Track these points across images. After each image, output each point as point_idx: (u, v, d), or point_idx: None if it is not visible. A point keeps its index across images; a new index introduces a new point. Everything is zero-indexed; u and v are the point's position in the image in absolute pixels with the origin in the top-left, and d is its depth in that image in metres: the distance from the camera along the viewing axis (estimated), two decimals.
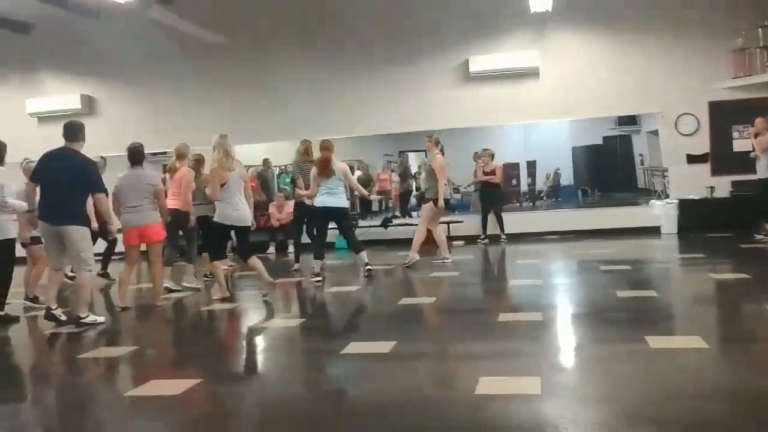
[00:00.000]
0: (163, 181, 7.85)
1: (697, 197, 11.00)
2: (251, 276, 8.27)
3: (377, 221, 12.53)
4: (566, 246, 10.54)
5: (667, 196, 11.72)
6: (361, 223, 12.43)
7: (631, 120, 17.48)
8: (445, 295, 7.01)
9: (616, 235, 10.92)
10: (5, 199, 6.30)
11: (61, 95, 13.23)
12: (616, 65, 11.37)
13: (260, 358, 4.87)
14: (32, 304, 6.97)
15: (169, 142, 12.27)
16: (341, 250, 9.68)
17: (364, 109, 12.20)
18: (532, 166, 18.64)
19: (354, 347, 4.57)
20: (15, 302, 6.95)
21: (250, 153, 12.66)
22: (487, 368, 4.00)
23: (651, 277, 7.66)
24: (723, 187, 10.95)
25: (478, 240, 11.32)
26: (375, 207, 15.24)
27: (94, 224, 6.67)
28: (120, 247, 7.66)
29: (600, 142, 19.68)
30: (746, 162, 9.73)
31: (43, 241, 6.07)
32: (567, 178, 19.29)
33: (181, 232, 7.92)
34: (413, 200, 14.94)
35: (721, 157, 11.09)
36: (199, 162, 8.14)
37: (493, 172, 11.22)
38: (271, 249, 11.63)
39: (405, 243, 9.26)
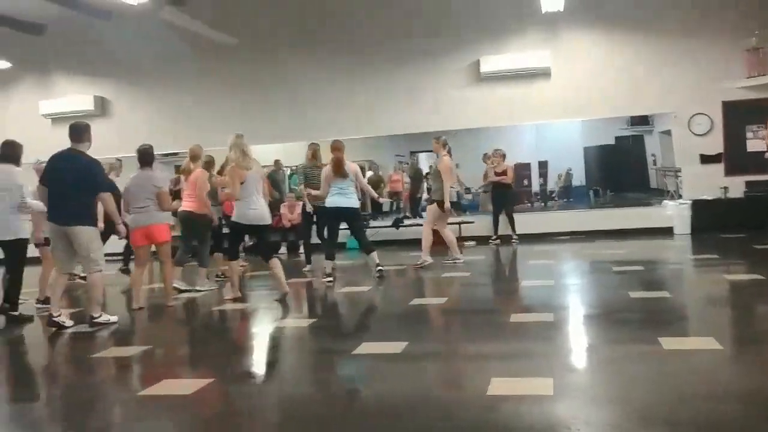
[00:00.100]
0: (177, 181, 7.88)
1: (710, 198, 10.92)
2: (263, 276, 8.30)
3: (388, 222, 12.53)
4: (578, 246, 10.50)
5: (680, 197, 11.64)
6: (372, 223, 12.44)
7: (643, 120, 17.36)
8: (457, 296, 7.00)
9: (628, 236, 10.87)
10: (25, 199, 6.37)
11: (74, 96, 13.34)
12: (628, 65, 11.32)
13: (272, 359, 4.88)
14: (44, 305, 7.01)
15: (182, 142, 12.37)
16: (352, 251, 9.69)
17: (376, 109, 12.21)
18: (543, 166, 18.56)
19: (365, 347, 4.57)
20: (29, 302, 7.01)
21: (261, 154, 12.57)
22: (499, 369, 3.99)
23: (664, 278, 7.61)
24: (737, 187, 10.87)
25: (490, 240, 11.29)
26: (386, 208, 15.23)
27: (101, 224, 6.69)
28: None
29: (612, 142, 19.56)
30: (760, 162, 9.67)
31: (51, 242, 6.07)
32: (579, 179, 19.19)
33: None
34: (424, 202, 14.92)
35: (735, 157, 11.01)
36: (209, 164, 8.18)
37: (504, 173, 11.18)
38: (283, 249, 11.66)
39: (416, 243, 9.25)
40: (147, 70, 13.04)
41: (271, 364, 4.73)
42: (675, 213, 11.09)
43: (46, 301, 7.08)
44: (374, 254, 7.88)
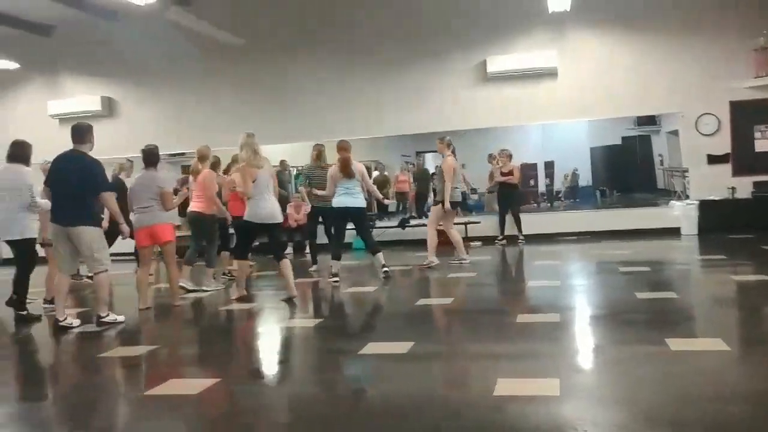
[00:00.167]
0: (184, 181, 7.88)
1: (718, 198, 10.88)
2: (270, 276, 8.32)
3: (394, 222, 12.53)
4: (584, 247, 10.47)
5: (687, 197, 11.60)
6: (379, 224, 12.44)
7: (650, 120, 17.31)
8: (463, 296, 7.00)
9: (635, 236, 10.84)
10: (34, 198, 6.41)
11: (82, 97, 13.41)
12: (635, 65, 11.28)
13: (278, 358, 4.88)
14: (50, 305, 7.03)
15: (189, 143, 12.43)
16: (358, 251, 9.70)
17: (382, 109, 12.22)
18: (550, 166, 18.53)
19: (372, 347, 4.57)
20: (37, 301, 7.04)
21: (267, 154, 12.65)
22: (506, 369, 3.98)
23: (671, 279, 7.58)
24: (744, 187, 10.83)
25: (496, 241, 11.28)
26: (392, 208, 15.22)
27: (105, 224, 6.72)
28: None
29: (619, 142, 19.51)
30: None
31: (53, 243, 6.07)
32: (585, 179, 19.15)
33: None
34: (430, 201, 14.91)
35: (743, 157, 10.97)
36: (214, 164, 8.20)
37: (510, 173, 11.17)
38: (289, 249, 11.67)
39: (422, 244, 9.25)
40: (154, 70, 13.09)
41: (278, 364, 4.74)
42: (682, 213, 11.05)
43: (53, 300, 7.11)
44: (380, 255, 7.89)
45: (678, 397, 3.30)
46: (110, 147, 12.25)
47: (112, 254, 8.67)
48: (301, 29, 12.42)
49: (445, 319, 5.92)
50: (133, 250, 9.37)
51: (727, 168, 11.07)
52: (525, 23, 11.65)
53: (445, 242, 9.17)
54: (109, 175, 9.44)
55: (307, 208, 9.78)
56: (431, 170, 16.26)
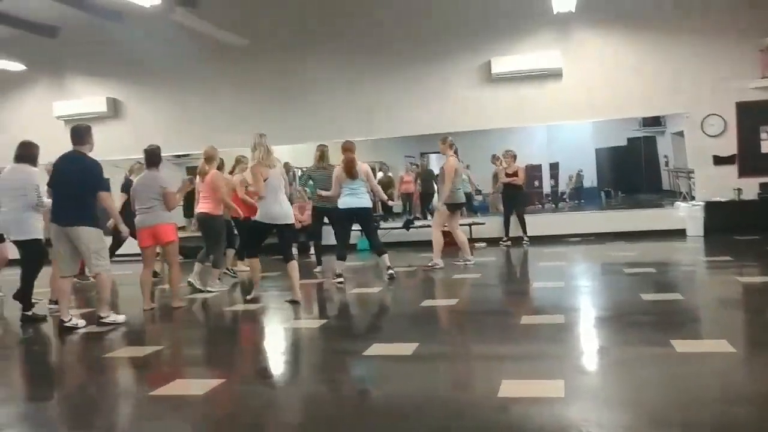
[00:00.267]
0: (190, 182, 7.86)
1: (723, 199, 10.84)
2: (274, 277, 8.32)
3: (400, 223, 12.53)
4: (589, 248, 10.45)
5: (693, 198, 11.57)
6: (383, 224, 12.44)
7: (655, 121, 17.28)
8: (467, 297, 6.99)
9: (640, 238, 10.81)
10: (41, 198, 6.43)
11: (87, 98, 13.45)
12: (640, 66, 11.25)
13: (283, 359, 4.89)
14: (55, 305, 7.05)
15: (193, 144, 12.47)
16: (363, 252, 9.70)
17: (386, 110, 12.22)
18: (554, 167, 18.51)
19: (376, 348, 4.58)
20: (42, 302, 7.06)
21: None
22: (510, 370, 3.98)
23: (676, 280, 7.57)
24: (751, 188, 10.79)
25: (501, 242, 11.27)
26: (398, 209, 15.21)
27: (110, 224, 6.74)
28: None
29: (624, 143, 19.49)
30: None
31: (53, 244, 6.06)
32: (590, 180, 19.13)
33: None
34: (435, 202, 14.90)
35: (749, 158, 10.93)
36: (219, 166, 8.24)
37: (515, 174, 11.16)
38: (293, 250, 11.68)
39: (427, 245, 9.24)
40: (159, 71, 13.12)
41: (283, 364, 4.74)
42: (688, 215, 11.02)
43: (57, 301, 7.14)
44: (386, 257, 7.88)
45: (683, 399, 3.29)
46: (116, 148, 12.33)
47: (120, 255, 8.74)
48: (306, 30, 12.43)
49: (450, 320, 5.92)
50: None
51: (733, 169, 11.03)
52: (530, 24, 11.64)
53: (450, 243, 9.16)
54: (121, 177, 9.57)
55: (308, 209, 9.80)
56: (436, 171, 16.27)
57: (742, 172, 10.96)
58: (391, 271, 7.81)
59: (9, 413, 3.81)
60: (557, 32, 11.49)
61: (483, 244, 11.29)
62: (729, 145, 11.05)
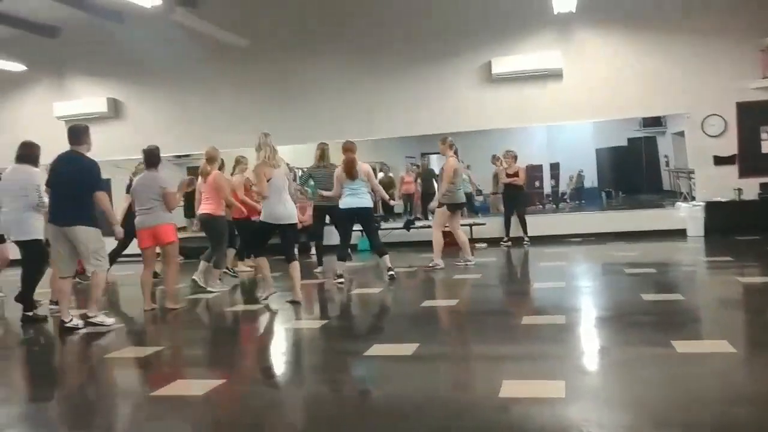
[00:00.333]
0: (190, 182, 7.86)
1: (724, 199, 10.84)
2: (275, 278, 8.32)
3: (400, 223, 12.53)
4: (590, 248, 10.45)
5: (693, 198, 11.57)
6: (384, 225, 12.44)
7: (656, 121, 17.28)
8: (468, 298, 6.99)
9: (640, 238, 10.81)
10: (42, 198, 6.43)
11: (88, 98, 13.45)
12: (640, 66, 11.25)
13: (284, 359, 4.89)
14: (56, 306, 7.04)
15: (194, 144, 12.48)
16: (363, 252, 9.70)
17: (387, 111, 12.23)
18: (555, 168, 18.51)
19: (377, 349, 4.58)
20: (43, 302, 7.06)
21: None
22: (511, 371, 3.98)
23: (677, 280, 7.57)
24: (751, 189, 10.78)
25: (501, 242, 11.27)
26: (399, 209, 15.21)
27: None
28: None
29: (624, 143, 19.49)
30: None
31: (51, 244, 6.03)
32: (591, 180, 19.13)
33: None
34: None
35: (749, 158, 10.93)
36: (220, 167, 8.25)
37: (516, 174, 11.16)
38: (294, 250, 11.67)
39: (427, 245, 9.24)
40: (159, 72, 13.12)
41: (283, 365, 4.75)
42: (688, 215, 11.02)
43: (58, 302, 7.14)
44: (386, 257, 7.87)
45: (684, 399, 3.29)
46: (116, 148, 12.34)
47: (126, 255, 8.73)
48: (306, 31, 12.43)
49: (451, 320, 5.92)
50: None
51: (733, 169, 11.03)
52: (530, 24, 11.64)
53: (450, 243, 9.16)
54: (122, 177, 9.57)
55: (309, 210, 9.80)
56: (437, 171, 16.27)
57: (743, 173, 10.95)
58: (391, 272, 7.81)
59: (9, 413, 3.81)
60: (558, 32, 11.49)
61: (484, 245, 11.30)
62: (729, 146, 11.04)
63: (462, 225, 9.49)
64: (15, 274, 6.92)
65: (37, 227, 6.56)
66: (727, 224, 10.51)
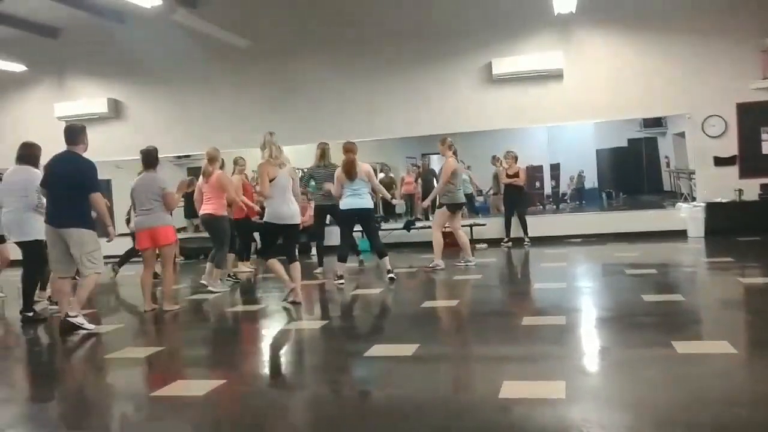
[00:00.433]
0: (190, 183, 7.87)
1: (724, 200, 10.84)
2: (275, 278, 8.32)
3: (400, 224, 12.52)
4: (590, 249, 10.45)
5: (694, 199, 11.56)
6: (384, 225, 12.43)
7: (656, 122, 17.25)
8: (468, 298, 6.99)
9: (641, 239, 10.80)
10: (41, 199, 6.42)
11: (89, 99, 13.46)
12: (641, 66, 11.25)
13: (284, 360, 4.89)
14: (56, 306, 7.04)
15: (195, 145, 12.49)
16: (364, 252, 9.69)
17: (387, 111, 12.23)
18: (555, 168, 18.49)
19: (377, 349, 4.57)
20: (43, 302, 7.07)
21: None
22: (511, 371, 3.97)
23: (678, 281, 7.56)
24: (752, 189, 10.78)
25: (502, 243, 11.27)
26: (400, 210, 15.19)
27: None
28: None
29: (625, 144, 19.46)
30: None
31: (48, 245, 5.98)
32: (591, 181, 19.11)
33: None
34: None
35: (750, 159, 10.93)
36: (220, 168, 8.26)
37: (516, 175, 11.16)
38: (296, 251, 11.66)
39: (428, 246, 9.24)
40: (160, 72, 13.13)
41: (283, 365, 4.75)
42: (689, 216, 11.02)
43: (57, 302, 7.13)
44: (386, 259, 7.86)
45: (685, 400, 3.29)
46: (117, 149, 12.36)
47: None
48: (306, 31, 12.44)
49: (451, 321, 5.91)
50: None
51: (734, 170, 11.03)
52: (531, 25, 11.64)
53: (451, 244, 9.16)
54: (123, 178, 9.56)
55: (310, 210, 9.80)
56: (437, 172, 16.24)
57: (743, 173, 10.96)
58: (391, 275, 7.79)
59: (10, 413, 3.82)
60: (558, 33, 11.49)
61: (484, 245, 11.30)
62: (730, 146, 11.05)
63: (462, 225, 9.48)
64: (15, 275, 6.92)
65: (38, 228, 6.55)
66: (727, 225, 10.50)
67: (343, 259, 7.89)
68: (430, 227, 9.37)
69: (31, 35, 12.89)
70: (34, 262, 6.58)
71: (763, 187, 10.71)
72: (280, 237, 6.79)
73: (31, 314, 6.53)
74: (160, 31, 12.32)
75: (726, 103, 10.95)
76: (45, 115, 13.23)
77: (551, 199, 18.35)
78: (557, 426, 3.04)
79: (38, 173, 6.61)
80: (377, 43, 12.23)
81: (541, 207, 17.22)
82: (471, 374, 4.16)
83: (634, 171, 19.79)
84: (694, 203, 11.26)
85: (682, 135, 12.82)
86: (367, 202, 7.82)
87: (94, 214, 5.96)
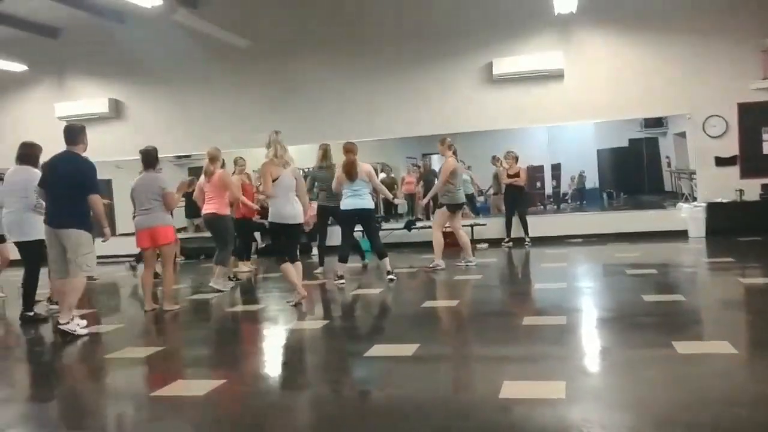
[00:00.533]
0: (191, 183, 7.87)
1: (725, 200, 10.83)
2: (276, 278, 8.32)
3: (401, 224, 12.52)
4: (591, 249, 10.44)
5: (695, 199, 11.55)
6: (385, 225, 12.43)
7: (657, 122, 17.23)
8: (469, 298, 6.98)
9: (642, 239, 10.79)
10: (39, 199, 6.41)
11: (89, 99, 13.46)
12: (642, 66, 11.25)
13: (284, 360, 4.89)
14: (55, 306, 7.03)
15: (196, 144, 12.49)
16: (367, 253, 9.68)
17: (387, 111, 12.23)
18: (556, 168, 18.48)
19: (378, 349, 4.57)
20: (42, 302, 7.06)
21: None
22: (511, 372, 3.97)
23: (678, 281, 7.56)
24: (752, 189, 10.77)
25: (503, 243, 11.27)
26: (402, 209, 15.18)
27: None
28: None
29: (626, 144, 19.44)
30: None
31: (47, 245, 5.93)
32: (592, 181, 19.09)
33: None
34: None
35: (751, 159, 10.93)
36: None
37: (517, 175, 11.15)
38: (297, 251, 11.65)
39: (428, 246, 9.24)
40: (160, 72, 13.13)
41: (284, 365, 4.74)
42: (689, 216, 11.01)
43: (57, 302, 7.12)
44: (386, 260, 7.85)
45: (685, 400, 3.28)
46: (117, 149, 12.36)
47: (127, 256, 8.68)
48: (306, 31, 12.44)
49: (451, 321, 5.91)
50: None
51: (734, 170, 11.02)
52: (531, 25, 11.64)
53: (451, 244, 9.15)
54: (123, 178, 9.57)
55: (311, 210, 9.79)
56: (438, 172, 16.23)
57: (744, 173, 10.95)
58: (391, 276, 7.78)
59: (10, 413, 3.81)
60: (558, 33, 11.49)
61: (485, 245, 11.29)
62: (731, 146, 11.04)
63: (463, 225, 9.48)
64: (15, 275, 6.92)
65: (38, 228, 6.53)
66: (728, 225, 10.50)
67: (343, 260, 7.88)
68: (430, 227, 9.36)
69: (32, 35, 12.89)
70: (34, 262, 6.57)
71: (764, 187, 10.70)
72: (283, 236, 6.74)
73: (31, 314, 6.52)
74: (160, 31, 12.32)
75: (727, 103, 10.95)
76: (45, 115, 13.23)
77: (552, 199, 18.33)
78: (557, 426, 3.03)
79: (38, 173, 6.59)
80: (377, 43, 12.23)
81: (542, 207, 17.21)
82: (471, 374, 4.16)
83: (635, 171, 19.77)
84: (695, 203, 11.25)
85: (683, 135, 12.80)
86: (367, 203, 7.81)
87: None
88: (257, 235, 10.73)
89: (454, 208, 8.82)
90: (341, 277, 7.76)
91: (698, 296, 6.55)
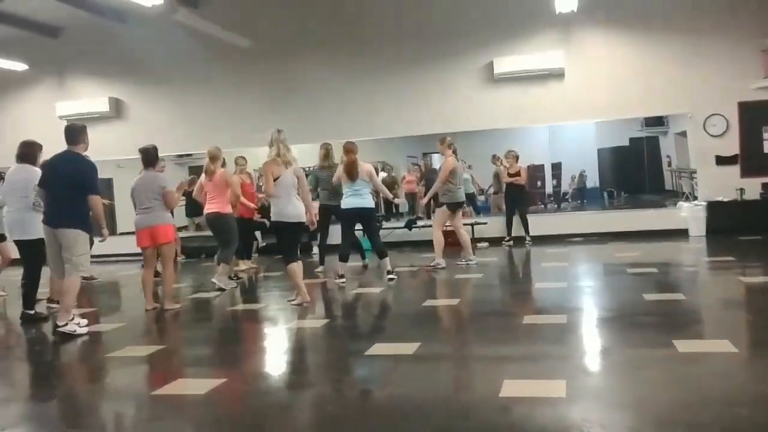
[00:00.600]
0: (192, 182, 7.89)
1: (726, 199, 10.83)
2: (276, 277, 8.33)
3: (401, 223, 12.52)
4: (592, 248, 10.44)
5: (696, 198, 11.55)
6: (385, 224, 12.43)
7: (658, 121, 17.22)
8: (469, 297, 6.98)
9: (642, 238, 10.79)
10: (38, 198, 6.41)
11: (90, 98, 13.46)
12: (642, 66, 11.24)
13: (285, 359, 4.89)
14: (55, 305, 7.03)
15: (196, 144, 12.49)
16: (368, 252, 9.68)
17: (388, 111, 12.23)
18: (557, 167, 18.47)
19: (378, 348, 4.57)
20: (42, 302, 7.06)
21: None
22: (512, 371, 3.97)
23: (679, 280, 7.55)
24: (753, 189, 10.77)
25: (503, 242, 11.27)
26: (403, 208, 15.18)
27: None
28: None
29: (626, 143, 19.44)
30: None
31: (46, 245, 5.93)
32: (593, 180, 19.10)
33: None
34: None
35: (752, 158, 10.92)
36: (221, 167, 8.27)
37: (518, 174, 11.15)
38: (297, 250, 11.65)
39: (429, 245, 9.24)
40: (161, 71, 13.14)
41: (284, 364, 4.74)
42: (690, 215, 11.01)
43: (58, 301, 7.12)
44: (387, 260, 7.85)
45: (686, 399, 3.28)
46: (118, 148, 12.37)
47: (128, 255, 8.65)
48: (306, 30, 12.44)
49: (452, 320, 5.91)
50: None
51: (735, 169, 11.02)
52: (532, 24, 11.63)
53: (452, 243, 9.15)
54: (123, 177, 9.58)
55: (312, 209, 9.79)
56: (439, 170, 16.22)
57: (745, 172, 10.95)
58: (391, 276, 7.77)
59: (10, 413, 3.82)
60: (559, 32, 11.48)
61: (485, 244, 11.29)
62: (731, 145, 11.03)
63: (464, 224, 9.48)
64: (16, 274, 6.92)
65: (39, 227, 6.53)
66: (729, 224, 10.49)
67: (344, 259, 7.89)
68: (431, 226, 9.37)
69: (32, 34, 12.90)
70: (35, 261, 6.57)
71: (765, 186, 10.69)
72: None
73: (32, 312, 6.53)
74: (161, 30, 12.32)
75: (727, 102, 10.94)
76: (46, 115, 13.24)
77: (552, 199, 18.33)
78: (558, 425, 3.03)
79: (38, 172, 6.59)
80: (377, 43, 12.22)
81: (543, 206, 17.21)
82: (472, 373, 4.16)
83: (635, 170, 19.77)
84: (696, 202, 11.24)
85: (683, 134, 12.80)
86: (368, 202, 7.82)
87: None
88: (258, 234, 10.73)
89: (454, 207, 8.82)
90: (342, 276, 7.77)
91: (699, 295, 6.54)
